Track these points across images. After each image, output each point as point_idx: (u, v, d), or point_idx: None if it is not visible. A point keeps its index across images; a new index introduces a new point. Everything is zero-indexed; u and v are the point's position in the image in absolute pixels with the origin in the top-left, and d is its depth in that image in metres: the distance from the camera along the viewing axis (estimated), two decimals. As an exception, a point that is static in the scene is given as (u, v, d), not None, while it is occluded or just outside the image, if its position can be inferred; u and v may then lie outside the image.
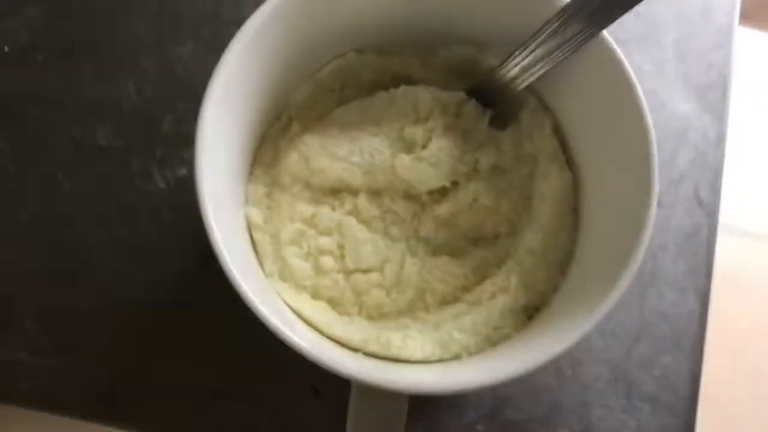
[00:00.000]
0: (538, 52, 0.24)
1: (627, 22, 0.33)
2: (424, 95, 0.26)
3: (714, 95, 0.33)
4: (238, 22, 0.32)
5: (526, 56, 0.25)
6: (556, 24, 0.23)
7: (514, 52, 0.25)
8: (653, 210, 0.22)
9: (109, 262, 0.30)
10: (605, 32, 0.24)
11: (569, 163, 0.26)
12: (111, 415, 0.29)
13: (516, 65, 0.25)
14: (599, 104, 0.25)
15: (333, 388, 0.29)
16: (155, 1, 0.33)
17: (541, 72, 0.25)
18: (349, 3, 0.25)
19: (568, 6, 0.23)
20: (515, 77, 0.25)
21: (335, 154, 0.26)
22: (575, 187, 0.26)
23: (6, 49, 0.32)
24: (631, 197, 0.23)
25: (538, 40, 0.24)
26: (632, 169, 0.23)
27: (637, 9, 0.33)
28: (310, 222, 0.25)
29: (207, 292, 0.30)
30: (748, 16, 0.36)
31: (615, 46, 0.24)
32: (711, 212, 0.32)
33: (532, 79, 0.25)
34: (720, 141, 0.33)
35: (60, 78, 0.32)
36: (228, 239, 0.21)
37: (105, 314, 0.30)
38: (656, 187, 0.22)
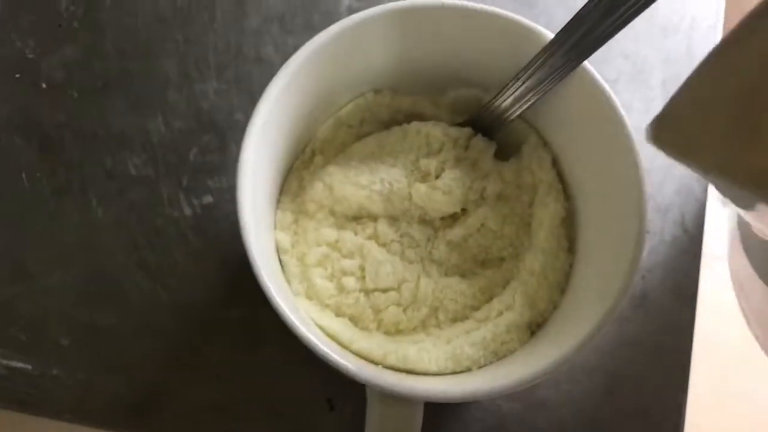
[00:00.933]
0: (528, 83, 0.27)
1: (618, 63, 0.36)
2: (435, 130, 0.29)
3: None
4: (258, 60, 0.35)
5: (518, 88, 0.27)
6: (542, 58, 0.26)
7: (507, 84, 0.27)
8: (644, 238, 0.24)
9: (139, 284, 0.32)
10: (587, 64, 0.26)
11: (566, 192, 0.29)
12: (140, 426, 0.31)
13: (509, 96, 0.28)
14: (591, 137, 0.27)
15: (349, 402, 0.31)
16: (181, 42, 0.35)
17: (532, 101, 0.27)
18: (368, 50, 0.28)
19: (551, 42, 0.26)
20: (509, 107, 0.28)
21: (357, 182, 0.28)
22: (572, 214, 0.29)
23: (44, 85, 0.35)
24: (623, 226, 0.25)
25: (527, 72, 0.27)
26: (624, 199, 0.25)
27: (626, 51, 0.36)
28: (334, 246, 0.28)
29: (230, 313, 0.32)
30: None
31: (599, 76, 0.26)
32: (695, 239, 0.34)
33: (524, 107, 0.28)
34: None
35: (93, 112, 0.34)
36: (263, 260, 0.23)
37: (134, 333, 0.32)
38: (647, 216, 0.25)
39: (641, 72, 0.36)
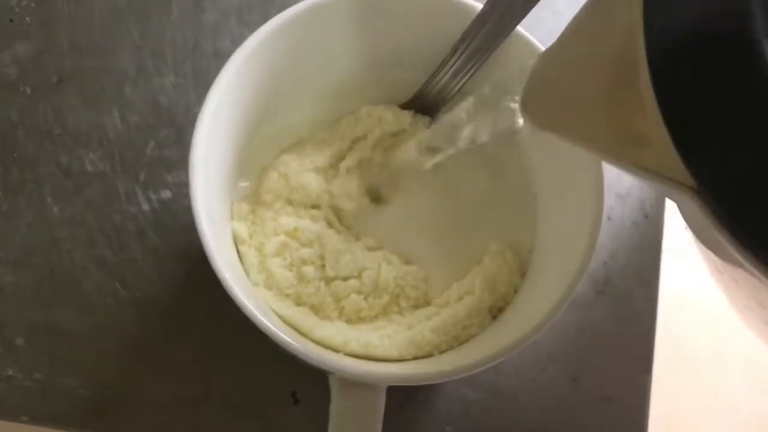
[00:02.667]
0: (465, 54, 0.27)
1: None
2: (386, 113, 0.29)
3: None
4: (216, 55, 0.35)
5: (456, 61, 0.27)
6: (475, 28, 0.26)
7: (444, 58, 0.28)
8: (600, 218, 0.25)
9: (97, 282, 0.32)
10: (521, 28, 0.27)
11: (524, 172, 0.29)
12: (100, 427, 0.30)
13: (448, 70, 0.28)
14: None
15: (313, 395, 0.31)
16: (137, 37, 0.35)
17: (471, 73, 0.28)
18: (319, 37, 0.28)
19: (482, 11, 0.26)
20: (449, 83, 0.28)
21: (312, 167, 0.28)
22: (532, 197, 0.29)
23: (-5, 82, 0.34)
24: (580, 207, 0.25)
25: (463, 44, 0.27)
26: (581, 180, 0.26)
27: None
28: (293, 235, 0.27)
29: (189, 307, 0.31)
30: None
31: (534, 40, 0.27)
32: (656, 224, 0.35)
33: (464, 81, 0.28)
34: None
35: (47, 108, 0.34)
36: (219, 251, 0.23)
37: (93, 332, 0.31)
38: (603, 196, 0.25)
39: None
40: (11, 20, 0.35)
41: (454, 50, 0.27)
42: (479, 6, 0.27)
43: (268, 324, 0.23)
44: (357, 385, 0.24)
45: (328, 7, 0.26)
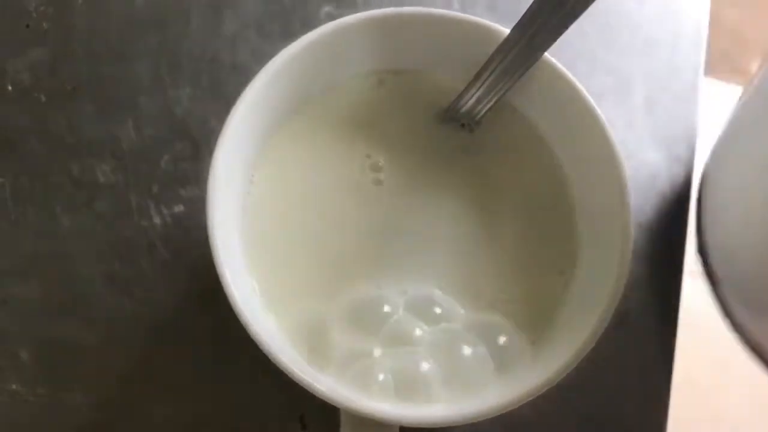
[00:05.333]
0: (488, 82, 0.26)
1: (601, 78, 0.36)
2: None
3: (680, 147, 0.35)
4: (234, 67, 0.34)
5: (479, 88, 0.27)
6: (498, 56, 0.26)
7: (468, 85, 0.27)
8: (629, 262, 0.24)
9: (104, 296, 0.31)
10: (548, 55, 0.26)
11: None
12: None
13: (472, 96, 0.27)
14: (572, 134, 0.27)
15: (321, 420, 0.30)
16: (155, 46, 0.34)
17: (495, 100, 0.27)
18: (345, 57, 0.27)
19: (509, 37, 0.26)
20: (472, 108, 0.28)
21: None
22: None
23: (9, 88, 0.33)
24: (608, 244, 0.25)
25: (488, 70, 0.26)
26: (610, 215, 0.25)
27: (610, 65, 0.36)
28: None
29: (198, 326, 0.31)
30: (712, 70, 0.39)
31: (565, 69, 0.26)
32: (677, 256, 0.34)
33: (488, 107, 0.27)
34: (686, 189, 0.35)
35: (61, 116, 0.33)
36: (231, 270, 0.23)
37: (98, 347, 0.30)
38: (632, 234, 0.25)
39: (624, 87, 0.36)
40: (27, 25, 0.34)
41: (478, 77, 0.26)
42: (506, 31, 0.26)
43: (293, 367, 0.22)
44: (368, 424, 0.23)
45: (352, 27, 0.26)
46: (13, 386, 0.30)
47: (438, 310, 0.25)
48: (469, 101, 0.27)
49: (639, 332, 0.32)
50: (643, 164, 0.35)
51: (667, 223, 0.34)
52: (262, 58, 0.31)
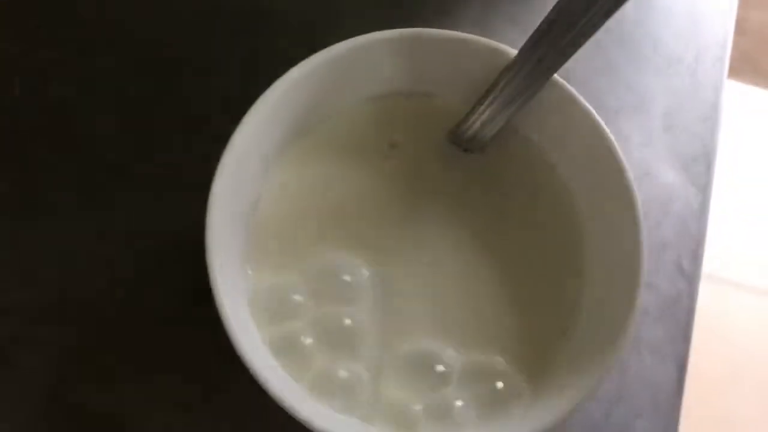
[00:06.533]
0: (495, 105, 0.25)
1: (620, 93, 0.35)
2: None
3: (699, 167, 0.34)
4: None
5: (484, 110, 0.26)
6: (504, 79, 0.25)
7: (474, 107, 0.26)
8: (640, 297, 0.24)
9: (110, 303, 0.31)
10: (558, 77, 0.25)
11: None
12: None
13: (476, 121, 0.26)
14: (585, 162, 0.26)
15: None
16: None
17: (501, 124, 0.26)
18: (356, 77, 0.27)
19: (515, 59, 0.25)
20: (478, 132, 0.27)
21: None
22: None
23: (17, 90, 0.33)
24: (620, 269, 0.24)
25: (493, 93, 0.25)
26: (621, 243, 0.24)
27: (628, 81, 0.35)
28: None
29: (201, 340, 0.30)
30: (733, 72, 0.38)
31: (575, 91, 0.25)
32: (692, 280, 0.33)
33: (493, 132, 0.26)
34: (703, 211, 0.34)
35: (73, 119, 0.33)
36: (235, 307, 0.22)
37: (101, 353, 0.30)
38: (644, 263, 0.24)
39: (643, 103, 0.35)
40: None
41: (481, 100, 0.26)
42: (514, 53, 0.25)
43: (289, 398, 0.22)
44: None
45: (362, 48, 0.25)
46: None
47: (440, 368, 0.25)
48: (474, 125, 0.26)
49: (651, 355, 0.32)
50: (659, 184, 0.34)
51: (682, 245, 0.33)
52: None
